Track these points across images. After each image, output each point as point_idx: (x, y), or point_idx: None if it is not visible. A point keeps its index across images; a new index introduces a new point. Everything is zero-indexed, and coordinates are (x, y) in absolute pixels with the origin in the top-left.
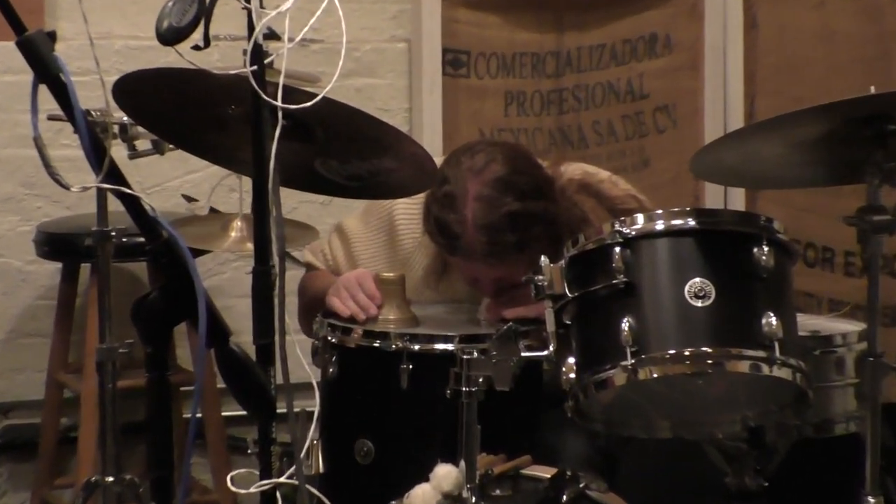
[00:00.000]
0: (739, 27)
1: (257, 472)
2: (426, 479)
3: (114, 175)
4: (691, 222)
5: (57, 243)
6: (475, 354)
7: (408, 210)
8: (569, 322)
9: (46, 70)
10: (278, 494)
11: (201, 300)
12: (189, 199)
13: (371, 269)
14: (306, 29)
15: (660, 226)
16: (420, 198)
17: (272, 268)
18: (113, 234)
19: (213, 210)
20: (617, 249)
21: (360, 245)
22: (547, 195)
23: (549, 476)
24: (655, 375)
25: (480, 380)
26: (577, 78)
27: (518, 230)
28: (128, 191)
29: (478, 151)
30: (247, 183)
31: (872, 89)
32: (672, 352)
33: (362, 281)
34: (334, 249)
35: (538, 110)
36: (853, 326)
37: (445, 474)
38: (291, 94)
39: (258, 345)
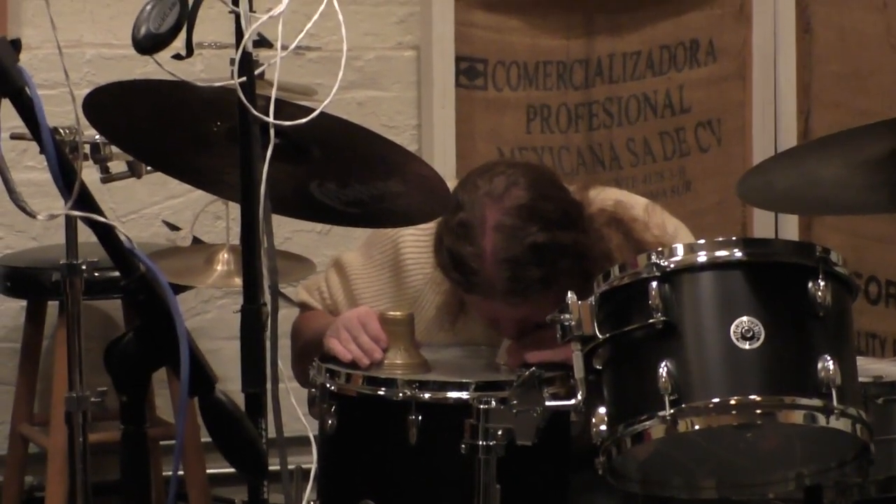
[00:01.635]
0: (792, 32)
1: None
2: None
3: (85, 201)
4: (738, 254)
5: (21, 278)
6: (494, 404)
7: (416, 241)
8: (599, 367)
9: (9, 83)
10: None
11: (183, 343)
12: (172, 226)
13: (375, 308)
14: (302, 35)
15: (702, 258)
16: (430, 227)
17: (263, 306)
18: (83, 267)
19: (196, 240)
20: (654, 285)
21: (361, 282)
22: (576, 224)
23: None
24: (698, 427)
25: (500, 433)
26: (608, 89)
27: (543, 264)
28: (100, 219)
29: (496, 174)
30: (234, 210)
31: None
32: (716, 400)
33: (365, 321)
34: (332, 287)
35: (565, 126)
36: None
37: None
38: (285, 108)
39: (247, 393)
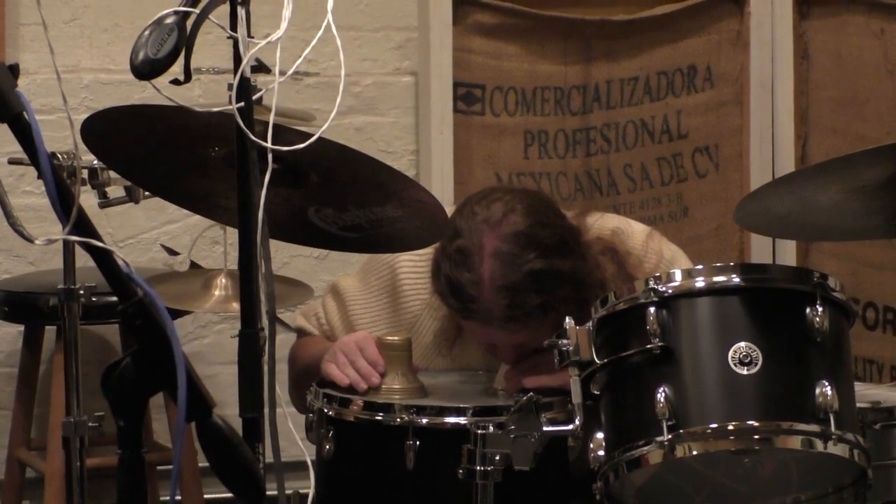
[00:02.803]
0: (790, 57)
1: None
2: None
3: (82, 226)
4: (736, 279)
5: (18, 303)
6: (491, 429)
7: (413, 266)
8: (597, 392)
9: (7, 108)
10: None
11: (180, 368)
12: (170, 251)
13: (373, 333)
14: (300, 61)
15: (700, 283)
16: (427, 252)
17: (261, 331)
18: (81, 292)
19: (193, 265)
20: (652, 310)
21: (358, 308)
22: (574, 251)
23: None
24: (695, 453)
25: (497, 458)
26: (606, 115)
27: (542, 291)
28: (98, 244)
29: (494, 200)
30: (232, 235)
31: None
32: (714, 426)
33: (363, 345)
34: (329, 313)
35: (562, 152)
36: None
37: None
38: (283, 134)
39: (245, 418)
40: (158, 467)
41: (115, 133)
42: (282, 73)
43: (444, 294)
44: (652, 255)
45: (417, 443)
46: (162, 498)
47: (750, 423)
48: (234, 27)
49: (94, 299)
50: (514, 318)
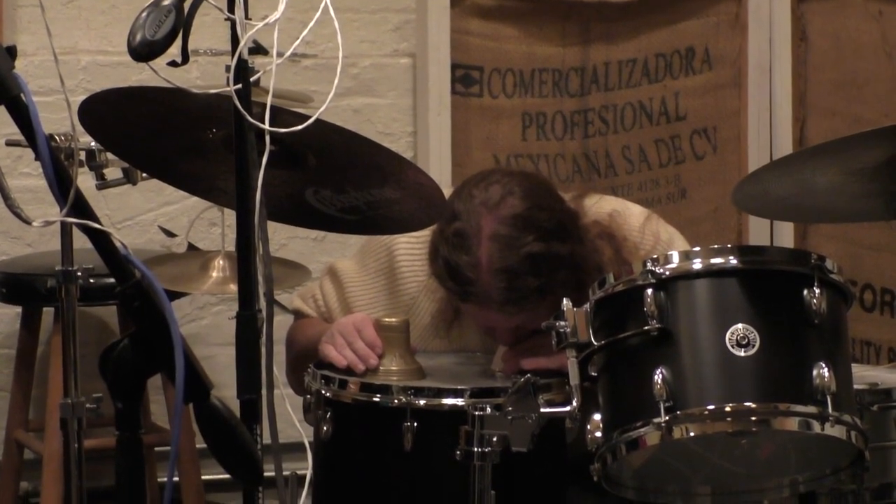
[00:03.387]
0: (787, 40)
1: None
2: None
3: (80, 208)
4: (733, 261)
5: (16, 285)
6: (489, 411)
7: (411, 248)
8: (595, 374)
9: (5, 90)
10: None
11: (178, 349)
12: (168, 233)
13: (370, 315)
14: (297, 42)
15: (698, 265)
16: (424, 234)
17: (258, 312)
18: (79, 274)
19: (191, 247)
20: (649, 292)
21: (356, 289)
22: (571, 234)
23: None
24: (692, 434)
25: (495, 439)
26: (604, 97)
27: (539, 274)
28: (96, 225)
29: (492, 183)
30: (230, 216)
31: None
32: (711, 407)
33: (361, 327)
34: (327, 295)
35: (560, 134)
36: None
37: None
38: (280, 115)
39: (243, 400)
40: (156, 448)
41: (112, 115)
42: (279, 54)
43: (442, 277)
44: (649, 238)
45: (415, 424)
46: (160, 479)
47: (747, 404)
48: (231, 9)
49: (91, 281)
50: (511, 300)
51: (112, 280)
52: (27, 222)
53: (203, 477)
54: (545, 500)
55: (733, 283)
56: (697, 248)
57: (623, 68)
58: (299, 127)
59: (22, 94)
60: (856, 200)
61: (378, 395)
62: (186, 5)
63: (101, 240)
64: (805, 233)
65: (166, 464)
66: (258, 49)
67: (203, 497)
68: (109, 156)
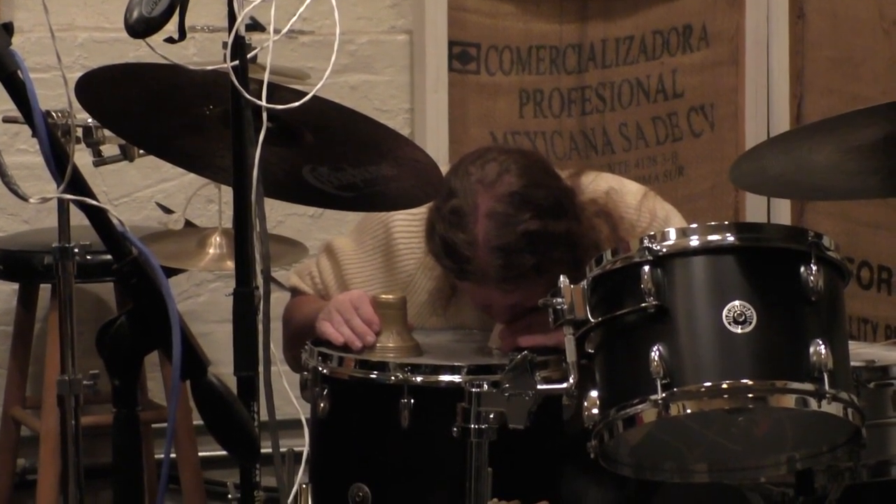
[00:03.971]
0: (785, 17)
1: None
2: None
3: (77, 184)
4: (730, 238)
5: (12, 262)
6: (486, 388)
7: (408, 225)
8: (592, 351)
9: (1, 66)
10: None
11: (175, 326)
12: (165, 209)
13: (368, 292)
14: (294, 19)
15: (695, 242)
16: (422, 212)
17: (255, 289)
18: (76, 251)
19: (188, 224)
20: (646, 269)
21: (352, 267)
22: (569, 212)
23: None
24: (689, 411)
25: (492, 416)
26: (601, 74)
27: (536, 252)
28: (93, 202)
29: (489, 160)
30: (227, 193)
31: None
32: (708, 384)
33: (358, 304)
34: (323, 272)
35: (557, 111)
36: None
37: None
38: (277, 92)
39: (240, 377)
40: (153, 425)
41: (109, 91)
42: (276, 31)
43: (439, 254)
44: (646, 215)
45: (412, 401)
46: (157, 456)
47: (744, 381)
48: None
49: (88, 258)
50: (508, 278)
51: (109, 257)
52: (24, 199)
53: (200, 454)
54: (542, 476)
55: (730, 261)
56: (694, 225)
57: (620, 45)
58: (296, 104)
59: (19, 71)
60: (853, 177)
61: (375, 372)
62: None
63: (97, 216)
64: (802, 210)
65: (163, 440)
66: (255, 25)
67: (200, 474)
68: (106, 132)
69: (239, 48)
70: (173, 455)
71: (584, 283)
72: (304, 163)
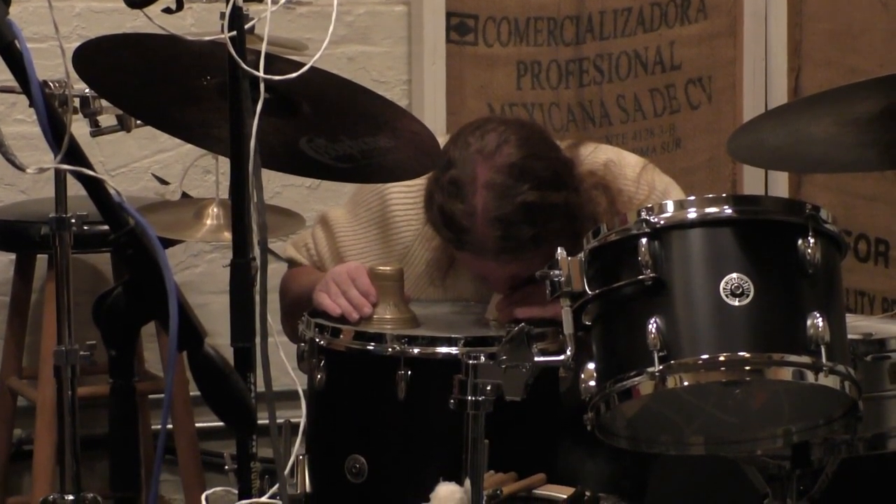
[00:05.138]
0: None
1: (235, 492)
2: (426, 500)
3: (74, 154)
4: (728, 210)
5: (9, 232)
6: (483, 359)
7: (405, 197)
8: (589, 323)
9: None
10: None
11: (172, 297)
12: (161, 180)
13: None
14: None
15: (692, 214)
16: (418, 183)
17: (252, 260)
18: (72, 221)
19: (185, 195)
20: (643, 241)
21: (347, 239)
22: (567, 184)
23: (565, 497)
24: (686, 384)
25: (489, 388)
26: (599, 46)
27: (534, 223)
28: (90, 172)
29: (488, 131)
30: (224, 164)
31: None
32: (705, 357)
33: (355, 275)
34: (319, 244)
35: (555, 82)
36: None
37: (448, 495)
38: (275, 63)
39: (237, 348)
40: (150, 396)
41: (106, 62)
42: (274, 1)
43: (437, 224)
44: (644, 188)
45: (409, 373)
46: (153, 427)
47: (741, 354)
48: None
49: (85, 228)
50: (506, 249)
51: (106, 227)
52: (21, 169)
53: (197, 425)
54: (538, 448)
55: (728, 233)
56: (692, 198)
57: (618, 17)
58: (294, 75)
59: (16, 41)
60: (850, 150)
61: (372, 344)
62: None
63: (94, 187)
64: (799, 183)
65: (160, 412)
66: None
67: (197, 445)
68: (103, 103)
69: (237, 19)
70: (170, 426)
71: (582, 255)
72: (302, 134)
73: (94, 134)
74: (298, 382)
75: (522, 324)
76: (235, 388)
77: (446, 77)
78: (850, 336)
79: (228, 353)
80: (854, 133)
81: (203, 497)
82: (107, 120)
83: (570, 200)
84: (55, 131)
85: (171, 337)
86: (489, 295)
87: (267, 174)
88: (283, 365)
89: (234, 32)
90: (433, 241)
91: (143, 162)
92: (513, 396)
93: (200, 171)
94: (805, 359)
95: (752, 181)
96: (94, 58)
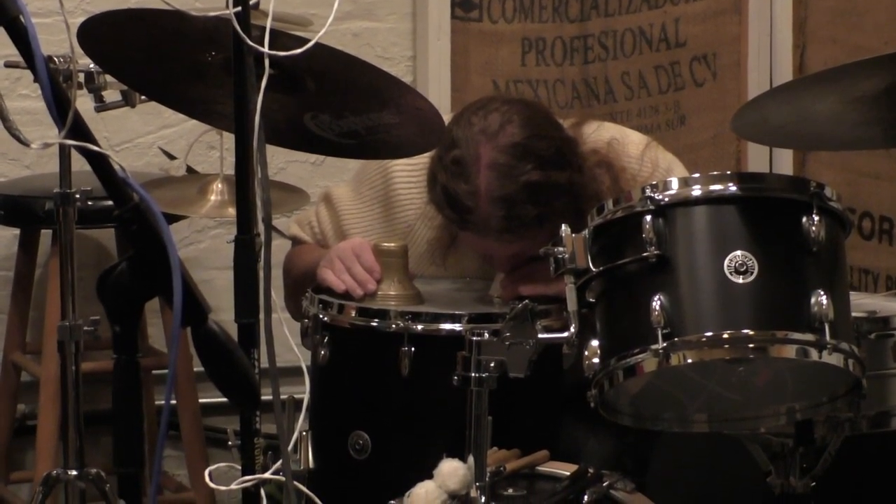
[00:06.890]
0: None
1: (238, 468)
2: (429, 477)
3: (78, 130)
4: (732, 188)
5: (14, 207)
6: (486, 336)
7: (408, 175)
8: (593, 300)
9: (3, 11)
10: (262, 492)
11: (176, 273)
12: (169, 154)
13: (368, 240)
14: None
15: (697, 192)
16: (422, 160)
17: (256, 236)
18: (77, 196)
19: (189, 170)
20: (648, 218)
21: (350, 217)
22: (570, 163)
23: (568, 474)
24: (690, 361)
25: (492, 365)
26: (604, 23)
27: (538, 203)
28: (94, 148)
29: (491, 111)
30: (228, 140)
31: None
32: (709, 334)
33: (360, 251)
34: (322, 221)
35: (560, 59)
36: None
37: (451, 471)
38: (280, 39)
39: (240, 324)
40: (153, 372)
41: (111, 37)
42: None
43: (440, 204)
44: (648, 165)
45: (412, 349)
46: (157, 402)
47: (745, 331)
48: None
49: (90, 203)
50: (510, 229)
51: (110, 203)
52: (25, 144)
53: (200, 400)
54: (542, 425)
55: (732, 210)
56: (696, 175)
57: None
58: (298, 51)
59: (21, 16)
60: (855, 128)
61: (376, 320)
62: None
63: (99, 162)
64: (804, 160)
65: (163, 387)
66: None
67: (200, 420)
68: (108, 78)
69: None
70: (173, 402)
71: (586, 232)
72: (306, 110)
73: (98, 109)
74: (302, 358)
75: (526, 301)
76: (239, 363)
77: (451, 53)
78: (853, 314)
79: (232, 329)
80: (859, 111)
81: (206, 473)
82: (111, 95)
83: (574, 179)
84: (59, 106)
85: (174, 313)
86: (492, 272)
87: (271, 150)
88: (286, 341)
89: (239, 8)
90: (435, 220)
91: (148, 137)
92: (516, 373)
93: (205, 147)
94: (809, 336)
95: (757, 158)
96: (99, 33)
